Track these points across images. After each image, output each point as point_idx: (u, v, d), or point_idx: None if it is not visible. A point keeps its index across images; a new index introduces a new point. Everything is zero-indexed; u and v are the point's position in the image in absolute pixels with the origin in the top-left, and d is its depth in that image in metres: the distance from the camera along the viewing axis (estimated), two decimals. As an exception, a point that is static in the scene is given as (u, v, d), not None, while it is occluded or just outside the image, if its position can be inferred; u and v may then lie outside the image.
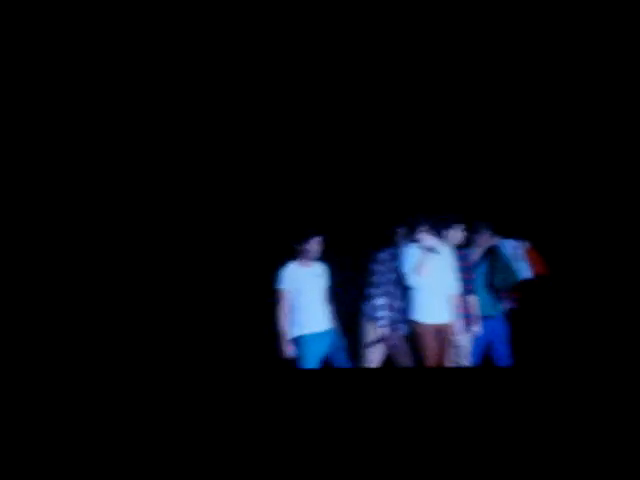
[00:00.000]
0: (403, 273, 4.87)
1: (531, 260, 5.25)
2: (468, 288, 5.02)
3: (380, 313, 4.97)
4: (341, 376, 4.72)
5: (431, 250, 4.81)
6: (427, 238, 4.83)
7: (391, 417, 4.37)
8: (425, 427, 4.32)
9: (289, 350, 4.83)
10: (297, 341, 4.85)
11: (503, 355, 5.16)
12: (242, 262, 5.51)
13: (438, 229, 4.89)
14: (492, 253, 5.16)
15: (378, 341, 5.00)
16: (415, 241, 4.86)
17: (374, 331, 5.01)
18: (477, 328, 5.03)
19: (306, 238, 4.87)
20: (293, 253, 4.92)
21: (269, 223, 5.50)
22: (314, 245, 4.88)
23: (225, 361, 5.22)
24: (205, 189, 5.55)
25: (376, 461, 4.17)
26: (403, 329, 4.98)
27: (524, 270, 5.21)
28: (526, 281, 5.26)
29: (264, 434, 3.94)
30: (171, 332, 5.41)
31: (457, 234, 5.02)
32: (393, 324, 4.97)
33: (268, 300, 4.89)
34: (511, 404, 4.43)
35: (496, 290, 5.13)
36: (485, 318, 5.10)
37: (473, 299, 5.04)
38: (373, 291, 5.00)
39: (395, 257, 4.98)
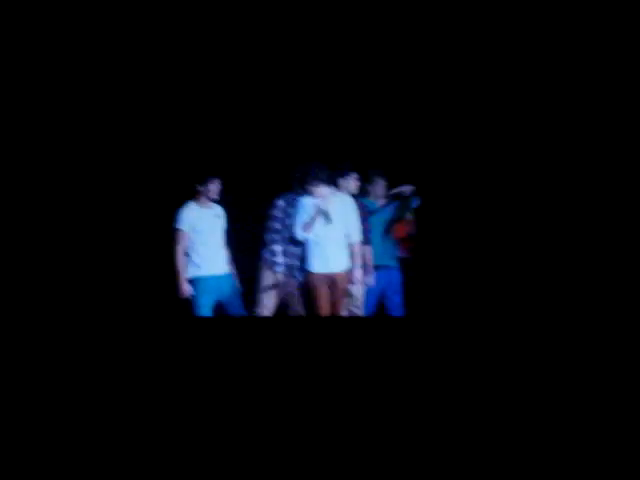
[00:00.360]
0: (292, 225, 4.83)
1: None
2: (364, 237, 5.00)
3: (276, 259, 4.92)
4: (234, 324, 4.68)
5: (323, 214, 4.76)
6: (321, 190, 4.77)
7: (282, 366, 4.37)
8: (316, 376, 4.35)
9: (185, 290, 4.79)
10: (193, 282, 4.82)
11: (396, 305, 5.20)
12: (142, 202, 5.31)
13: (333, 178, 4.86)
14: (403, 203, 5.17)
15: (273, 287, 4.95)
16: (309, 192, 4.80)
17: (270, 277, 4.96)
18: (370, 278, 5.03)
19: (205, 179, 4.81)
20: (192, 194, 4.85)
21: (169, 163, 5.32)
22: (213, 186, 4.83)
23: (123, 303, 5.07)
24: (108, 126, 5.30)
25: (265, 411, 4.17)
26: (299, 276, 4.95)
27: None
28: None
29: (156, 381, 3.91)
30: (69, 274, 5.19)
31: (351, 183, 5.00)
32: (289, 270, 4.94)
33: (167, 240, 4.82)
34: (403, 354, 4.49)
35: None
36: (380, 268, 5.11)
37: (368, 249, 5.03)
38: (270, 237, 4.94)
39: (292, 203, 4.92)
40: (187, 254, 4.83)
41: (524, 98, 5.04)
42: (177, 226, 4.80)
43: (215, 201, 4.91)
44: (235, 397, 4.09)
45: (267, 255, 4.96)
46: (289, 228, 4.90)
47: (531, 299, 4.73)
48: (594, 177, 4.92)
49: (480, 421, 4.14)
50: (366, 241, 5.02)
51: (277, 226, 4.93)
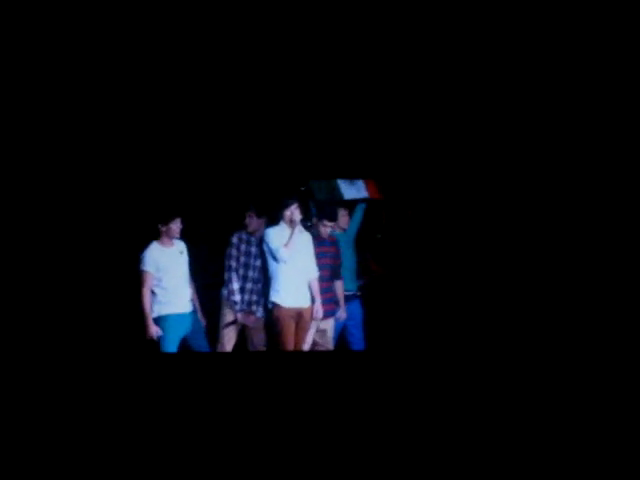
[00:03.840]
0: (271, 249, 4.87)
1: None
2: (336, 273, 5.10)
3: (234, 297, 4.99)
4: (199, 359, 4.71)
5: (299, 224, 4.89)
6: (297, 213, 4.89)
7: (245, 401, 4.40)
8: (277, 411, 4.39)
9: (153, 331, 4.76)
10: (159, 321, 4.78)
11: (357, 339, 5.26)
12: (105, 244, 5.19)
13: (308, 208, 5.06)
14: None
15: (233, 323, 5.01)
16: (283, 217, 4.90)
17: (230, 314, 5.02)
18: (342, 313, 5.14)
19: (168, 218, 4.81)
20: (155, 234, 4.83)
21: (131, 204, 5.22)
22: (174, 225, 4.83)
23: (89, 344, 4.96)
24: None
25: (232, 444, 4.20)
26: (259, 312, 5.03)
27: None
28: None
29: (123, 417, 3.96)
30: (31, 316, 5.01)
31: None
32: (248, 307, 5.01)
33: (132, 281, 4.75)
34: (364, 388, 4.56)
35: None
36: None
37: (340, 284, 5.14)
38: (228, 275, 5.01)
39: (247, 240, 5.06)
40: (153, 293, 4.80)
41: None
42: (142, 267, 4.76)
43: (176, 239, 4.89)
44: (202, 431, 4.15)
45: (225, 293, 5.03)
46: (245, 265, 5.01)
47: (494, 332, 4.79)
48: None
49: (443, 454, 4.25)
50: (338, 276, 5.12)
51: (233, 264, 5.01)
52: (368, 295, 5.42)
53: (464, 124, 4.87)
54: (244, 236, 5.05)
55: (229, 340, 5.03)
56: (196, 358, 4.74)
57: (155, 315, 4.77)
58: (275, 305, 4.86)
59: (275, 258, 4.86)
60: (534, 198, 4.77)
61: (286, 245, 4.83)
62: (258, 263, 5.02)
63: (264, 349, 5.01)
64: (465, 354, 4.67)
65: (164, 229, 4.82)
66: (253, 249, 5.04)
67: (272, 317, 4.87)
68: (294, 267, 4.86)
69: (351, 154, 5.05)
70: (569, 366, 4.50)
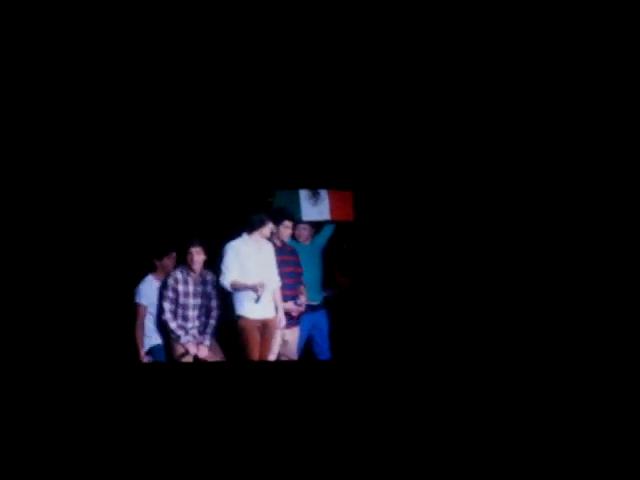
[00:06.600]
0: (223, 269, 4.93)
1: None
2: (298, 281, 5.12)
3: (176, 334, 4.93)
4: (166, 370, 4.79)
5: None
6: (267, 231, 4.97)
7: (211, 412, 4.44)
8: (244, 421, 4.43)
9: (145, 359, 4.91)
10: (152, 351, 4.95)
11: (323, 349, 5.28)
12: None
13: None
14: None
15: (183, 356, 4.97)
16: (250, 234, 4.95)
17: (178, 347, 4.96)
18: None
19: (166, 253, 5.00)
20: (151, 267, 4.99)
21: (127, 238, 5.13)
22: (168, 260, 5.00)
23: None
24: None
25: (200, 456, 4.24)
26: (207, 339, 4.98)
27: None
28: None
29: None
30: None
31: (286, 230, 5.13)
32: (194, 338, 4.97)
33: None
34: (330, 397, 4.60)
35: None
36: (307, 311, 5.19)
37: (302, 293, 5.14)
38: (164, 316, 4.95)
39: (184, 280, 4.96)
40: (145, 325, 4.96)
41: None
42: (135, 300, 4.92)
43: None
44: (169, 442, 4.19)
45: (169, 333, 4.98)
46: (183, 307, 4.95)
47: (461, 342, 4.83)
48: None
49: (409, 463, 4.30)
50: (301, 284, 5.11)
51: (168, 305, 4.94)
52: (334, 306, 5.44)
53: (440, 136, 4.93)
54: (182, 275, 4.98)
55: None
56: (163, 369, 4.76)
57: (148, 346, 5.01)
58: (240, 317, 4.88)
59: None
60: (505, 208, 4.85)
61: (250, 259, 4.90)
62: (198, 302, 4.97)
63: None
64: (429, 363, 4.72)
65: (159, 264, 5.02)
66: (191, 288, 4.96)
67: (237, 328, 4.88)
68: (257, 278, 4.90)
69: (321, 164, 5.08)
70: (551, 364, 4.56)
